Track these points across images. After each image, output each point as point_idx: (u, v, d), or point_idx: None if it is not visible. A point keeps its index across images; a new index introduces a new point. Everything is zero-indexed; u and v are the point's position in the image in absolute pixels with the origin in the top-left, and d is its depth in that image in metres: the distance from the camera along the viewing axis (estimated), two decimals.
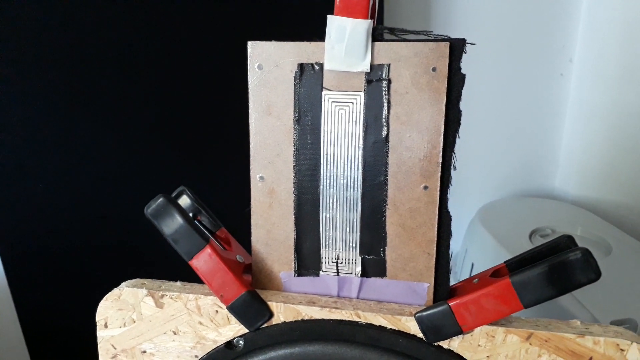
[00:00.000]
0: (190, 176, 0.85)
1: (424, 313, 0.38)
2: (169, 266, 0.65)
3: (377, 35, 0.36)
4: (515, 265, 0.40)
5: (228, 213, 0.50)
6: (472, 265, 0.93)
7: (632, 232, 0.94)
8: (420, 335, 0.38)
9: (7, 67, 0.73)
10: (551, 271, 0.34)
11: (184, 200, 0.45)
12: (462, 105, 0.37)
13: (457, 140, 0.37)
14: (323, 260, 0.41)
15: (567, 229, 0.89)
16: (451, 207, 0.39)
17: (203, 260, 0.39)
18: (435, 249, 0.39)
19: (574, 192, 1.10)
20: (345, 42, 0.36)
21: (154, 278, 0.45)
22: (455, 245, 1.03)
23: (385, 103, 0.37)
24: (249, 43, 0.38)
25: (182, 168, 0.85)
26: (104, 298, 0.43)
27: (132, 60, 0.78)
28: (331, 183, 0.39)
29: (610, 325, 0.38)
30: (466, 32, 1.01)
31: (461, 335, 0.37)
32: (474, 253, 0.94)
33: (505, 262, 0.41)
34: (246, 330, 0.41)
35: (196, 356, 0.43)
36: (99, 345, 0.44)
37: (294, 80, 0.38)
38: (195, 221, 0.43)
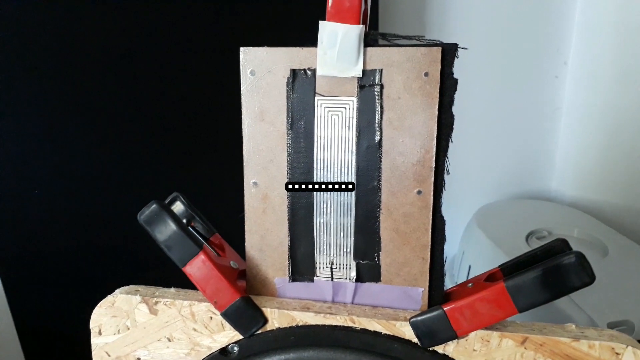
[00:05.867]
0: (184, 182, 0.85)
1: (419, 318, 0.38)
2: (163, 270, 0.64)
3: (369, 40, 0.36)
4: (509, 269, 0.40)
5: (222, 219, 0.50)
6: (469, 267, 0.93)
7: (628, 233, 0.94)
8: (415, 340, 0.38)
9: (0, 72, 0.73)
10: (545, 275, 0.34)
11: (178, 206, 0.44)
12: (459, 107, 0.37)
13: (453, 143, 0.37)
14: (317, 265, 0.41)
15: (564, 230, 0.89)
16: (448, 209, 0.39)
17: (197, 267, 0.39)
18: (429, 253, 0.39)
19: (571, 194, 1.10)
20: (337, 47, 0.36)
21: (149, 281, 0.45)
22: (453, 247, 1.03)
23: (377, 108, 0.37)
24: (242, 49, 0.38)
25: (175, 174, 0.85)
26: (98, 305, 0.43)
27: (126, 66, 0.77)
28: None
29: (606, 329, 0.38)
30: (461, 35, 1.02)
31: (456, 339, 0.37)
32: (471, 255, 0.94)
33: (499, 266, 0.41)
34: (241, 337, 0.41)
35: None
36: (93, 353, 0.44)
37: (287, 86, 0.38)
38: (189, 227, 0.43)
